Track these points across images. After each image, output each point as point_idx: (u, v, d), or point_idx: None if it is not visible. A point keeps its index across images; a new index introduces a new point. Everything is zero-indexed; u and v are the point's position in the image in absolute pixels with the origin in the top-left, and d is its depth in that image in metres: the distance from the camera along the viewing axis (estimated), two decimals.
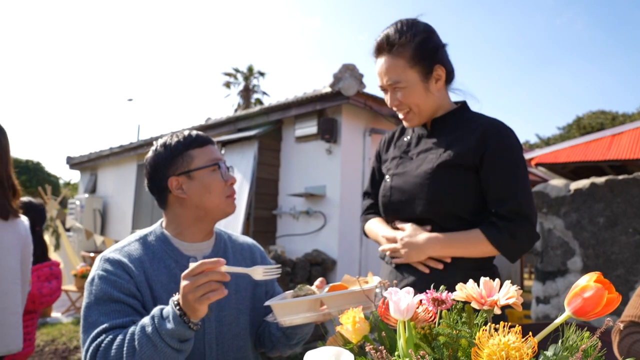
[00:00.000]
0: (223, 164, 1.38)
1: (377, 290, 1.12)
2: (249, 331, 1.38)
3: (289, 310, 1.08)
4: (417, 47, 1.45)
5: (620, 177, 3.39)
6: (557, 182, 3.77)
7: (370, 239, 1.70)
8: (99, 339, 1.12)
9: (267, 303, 1.11)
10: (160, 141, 1.38)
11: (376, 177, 1.72)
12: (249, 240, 1.55)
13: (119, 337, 1.10)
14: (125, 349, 1.07)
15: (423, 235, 1.41)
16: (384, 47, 1.48)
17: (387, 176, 1.59)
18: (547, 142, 29.07)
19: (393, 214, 1.54)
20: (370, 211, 1.73)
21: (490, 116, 1.51)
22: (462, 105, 1.56)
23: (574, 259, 3.51)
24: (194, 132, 1.38)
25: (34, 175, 21.08)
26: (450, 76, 1.54)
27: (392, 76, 1.46)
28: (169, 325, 1.04)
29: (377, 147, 1.76)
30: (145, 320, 1.09)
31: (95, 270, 1.25)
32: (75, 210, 10.51)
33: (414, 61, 1.45)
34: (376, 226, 1.62)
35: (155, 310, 1.09)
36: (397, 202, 1.51)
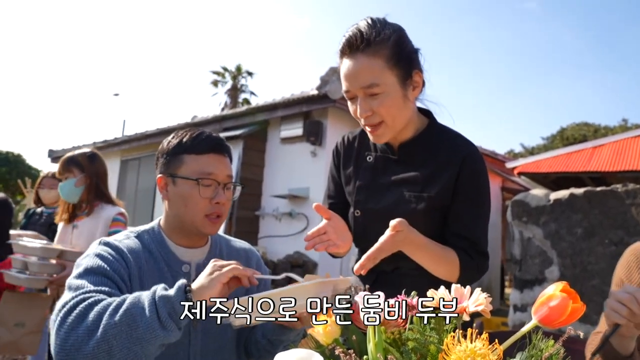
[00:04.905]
0: (212, 181, 1.26)
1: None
2: (235, 343, 1.36)
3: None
4: (395, 46, 1.26)
5: (598, 188, 3.46)
6: (537, 191, 3.83)
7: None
8: (85, 295, 1.04)
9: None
10: (173, 134, 1.33)
11: (338, 186, 1.53)
12: (245, 245, 1.51)
13: (108, 299, 1.02)
14: (112, 306, 0.99)
15: (415, 231, 1.25)
16: (356, 44, 1.25)
17: (356, 210, 1.43)
18: (531, 151, 29.40)
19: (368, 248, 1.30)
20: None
21: (461, 136, 1.39)
22: (430, 123, 1.40)
23: (551, 268, 3.57)
24: (203, 136, 1.29)
25: (14, 167, 20.68)
26: (422, 86, 1.36)
27: (368, 78, 1.24)
28: (169, 292, 0.98)
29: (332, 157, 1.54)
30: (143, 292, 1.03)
31: (91, 250, 1.20)
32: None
33: (393, 62, 1.25)
34: None
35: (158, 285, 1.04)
36: (375, 241, 1.25)
